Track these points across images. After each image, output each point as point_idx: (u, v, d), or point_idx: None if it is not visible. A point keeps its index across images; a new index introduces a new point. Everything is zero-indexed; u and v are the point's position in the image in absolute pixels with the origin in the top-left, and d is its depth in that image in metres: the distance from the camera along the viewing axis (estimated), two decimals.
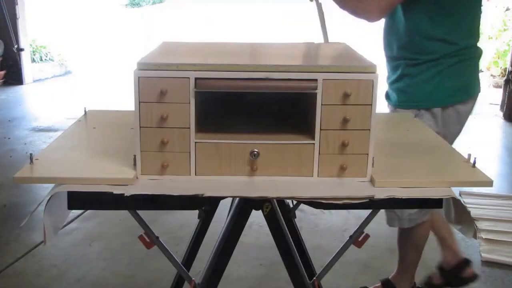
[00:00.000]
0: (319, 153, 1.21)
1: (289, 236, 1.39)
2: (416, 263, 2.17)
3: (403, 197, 1.16)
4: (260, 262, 2.52)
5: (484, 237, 2.79)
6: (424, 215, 1.99)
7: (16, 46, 6.65)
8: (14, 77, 6.83)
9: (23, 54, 6.81)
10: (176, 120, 1.18)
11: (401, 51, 1.87)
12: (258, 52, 1.51)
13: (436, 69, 1.81)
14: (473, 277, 2.27)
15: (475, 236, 1.22)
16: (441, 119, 1.86)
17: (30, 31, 7.24)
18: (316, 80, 1.17)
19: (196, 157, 1.21)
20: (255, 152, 1.20)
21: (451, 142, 1.89)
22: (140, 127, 1.19)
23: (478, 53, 1.90)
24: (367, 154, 1.21)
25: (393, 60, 1.93)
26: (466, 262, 2.25)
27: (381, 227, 2.89)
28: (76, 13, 14.28)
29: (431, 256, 2.62)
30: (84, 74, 7.80)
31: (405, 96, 1.89)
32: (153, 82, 1.16)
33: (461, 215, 1.23)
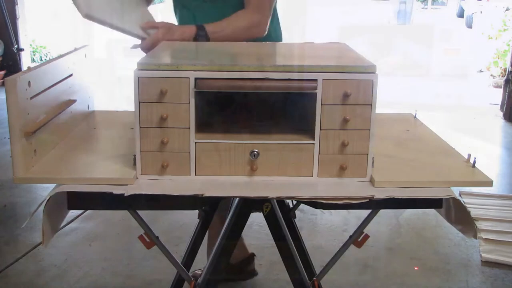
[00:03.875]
0: (319, 153, 1.21)
1: (289, 236, 1.39)
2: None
3: (403, 197, 1.16)
4: (260, 262, 2.52)
5: (484, 237, 2.79)
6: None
7: (16, 46, 6.64)
8: None
9: (23, 54, 6.79)
10: (176, 120, 1.18)
11: None
12: (258, 52, 1.51)
13: None
14: (253, 274, 2.30)
15: (475, 236, 1.22)
16: None
17: (30, 31, 7.23)
18: (316, 80, 1.17)
19: (196, 157, 1.21)
20: (255, 152, 1.20)
21: None
22: (140, 127, 1.19)
23: None
24: (367, 154, 1.21)
25: None
26: (252, 257, 2.28)
27: (381, 227, 2.90)
28: (76, 13, 14.26)
29: (432, 256, 2.63)
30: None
31: None
32: (153, 82, 1.16)
33: (461, 215, 1.23)
